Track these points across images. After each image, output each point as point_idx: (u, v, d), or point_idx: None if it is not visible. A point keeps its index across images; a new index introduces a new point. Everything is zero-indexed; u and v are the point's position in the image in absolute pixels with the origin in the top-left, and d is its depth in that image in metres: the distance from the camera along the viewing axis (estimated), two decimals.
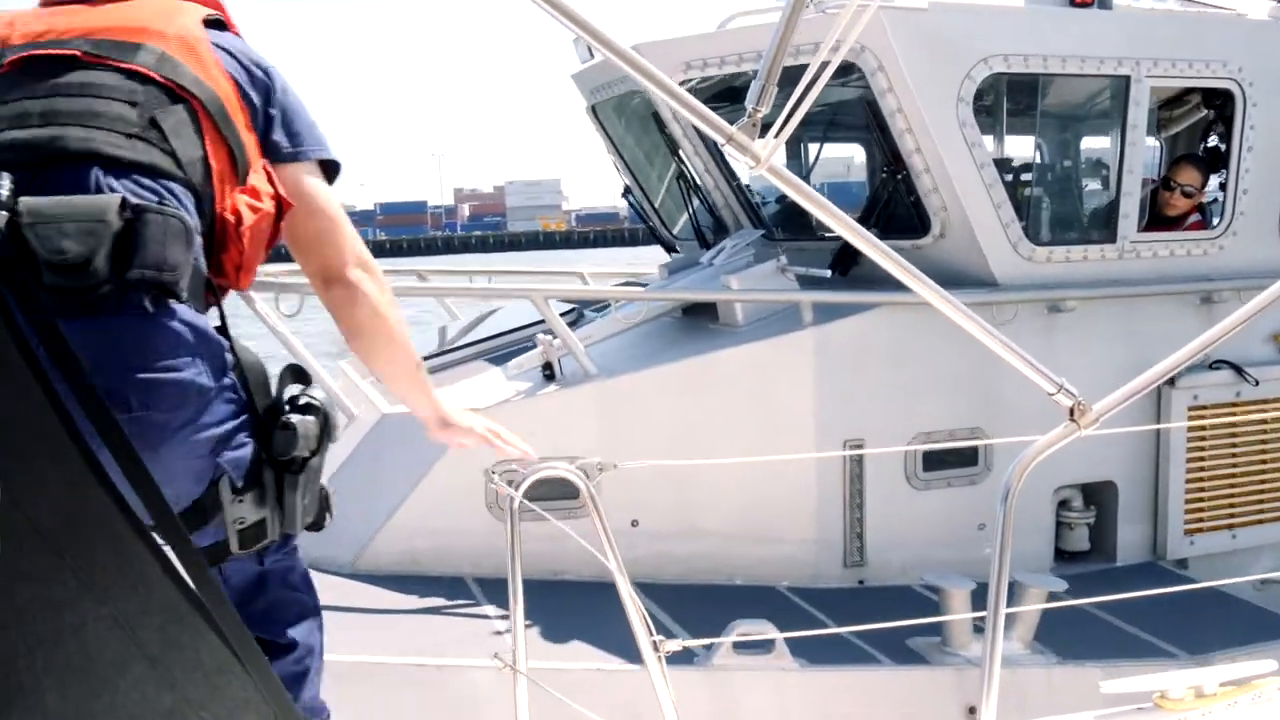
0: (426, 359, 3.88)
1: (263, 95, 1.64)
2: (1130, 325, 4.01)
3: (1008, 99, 3.93)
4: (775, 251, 4.04)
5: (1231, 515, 4.18)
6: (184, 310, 1.48)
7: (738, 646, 2.97)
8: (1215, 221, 4.20)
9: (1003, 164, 3.90)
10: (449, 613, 3.40)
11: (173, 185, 1.50)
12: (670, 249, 5.35)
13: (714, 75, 4.12)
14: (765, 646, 2.99)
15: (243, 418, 1.55)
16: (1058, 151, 4.41)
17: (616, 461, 2.42)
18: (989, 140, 3.90)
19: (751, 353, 3.74)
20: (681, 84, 3.31)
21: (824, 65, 1.46)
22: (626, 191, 5.39)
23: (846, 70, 3.69)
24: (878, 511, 3.84)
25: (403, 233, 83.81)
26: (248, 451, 1.55)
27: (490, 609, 3.33)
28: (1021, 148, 4.33)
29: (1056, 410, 3.78)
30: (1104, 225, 3.99)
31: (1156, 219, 4.25)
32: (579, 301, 4.63)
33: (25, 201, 1.36)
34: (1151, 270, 4.03)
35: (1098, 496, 4.16)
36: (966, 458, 3.93)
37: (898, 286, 3.62)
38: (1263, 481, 4.18)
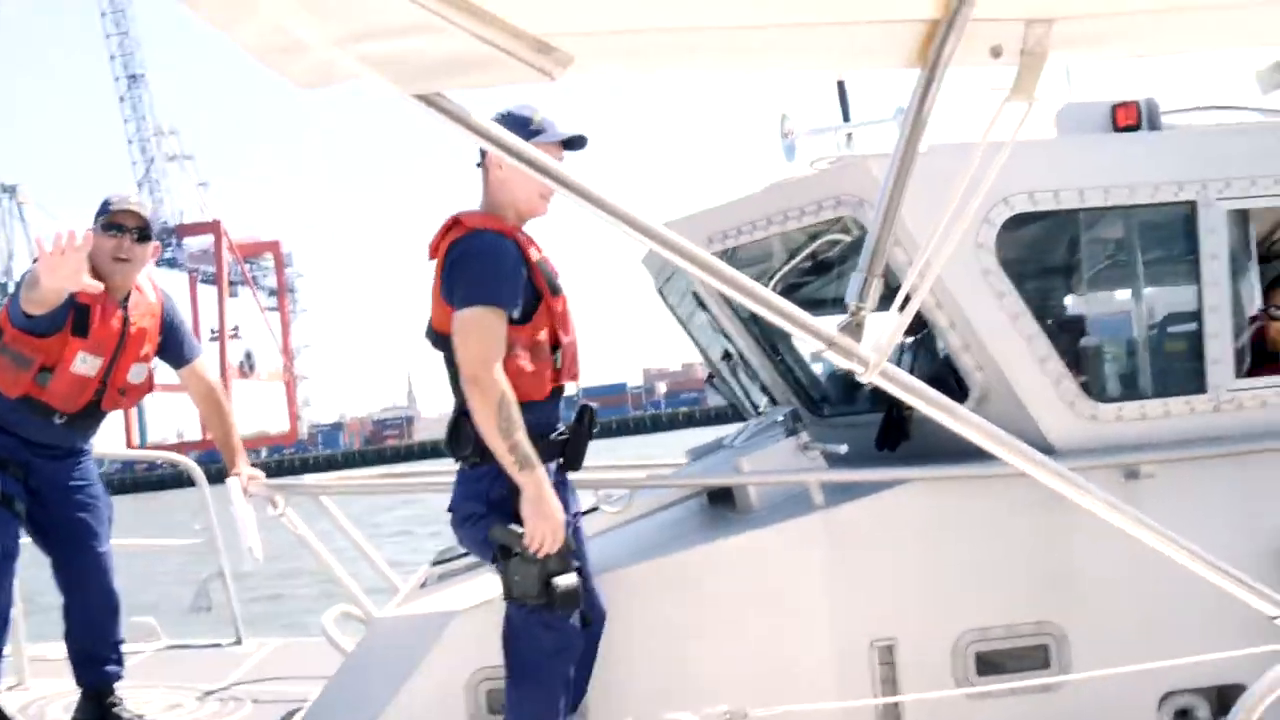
0: None
1: None
2: (1242, 491, 3.27)
3: (1045, 240, 3.47)
4: (799, 428, 3.65)
5: None
6: None
7: None
8: None
9: (1047, 314, 3.40)
10: None
11: None
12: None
13: (744, 242, 3.92)
14: None
15: None
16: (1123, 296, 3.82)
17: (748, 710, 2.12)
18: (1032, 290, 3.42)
19: (754, 540, 3.31)
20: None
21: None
22: (709, 378, 5.18)
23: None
24: (921, 717, 3.21)
25: (610, 414, 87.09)
26: None
27: None
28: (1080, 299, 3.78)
29: (1147, 587, 3.10)
30: (1190, 374, 3.34)
31: (1269, 357, 3.54)
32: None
33: None
34: (1263, 422, 3.31)
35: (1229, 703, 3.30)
36: (1039, 659, 3.25)
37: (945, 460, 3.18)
38: None
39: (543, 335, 2.89)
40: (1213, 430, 3.30)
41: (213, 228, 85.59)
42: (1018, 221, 3.28)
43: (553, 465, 2.89)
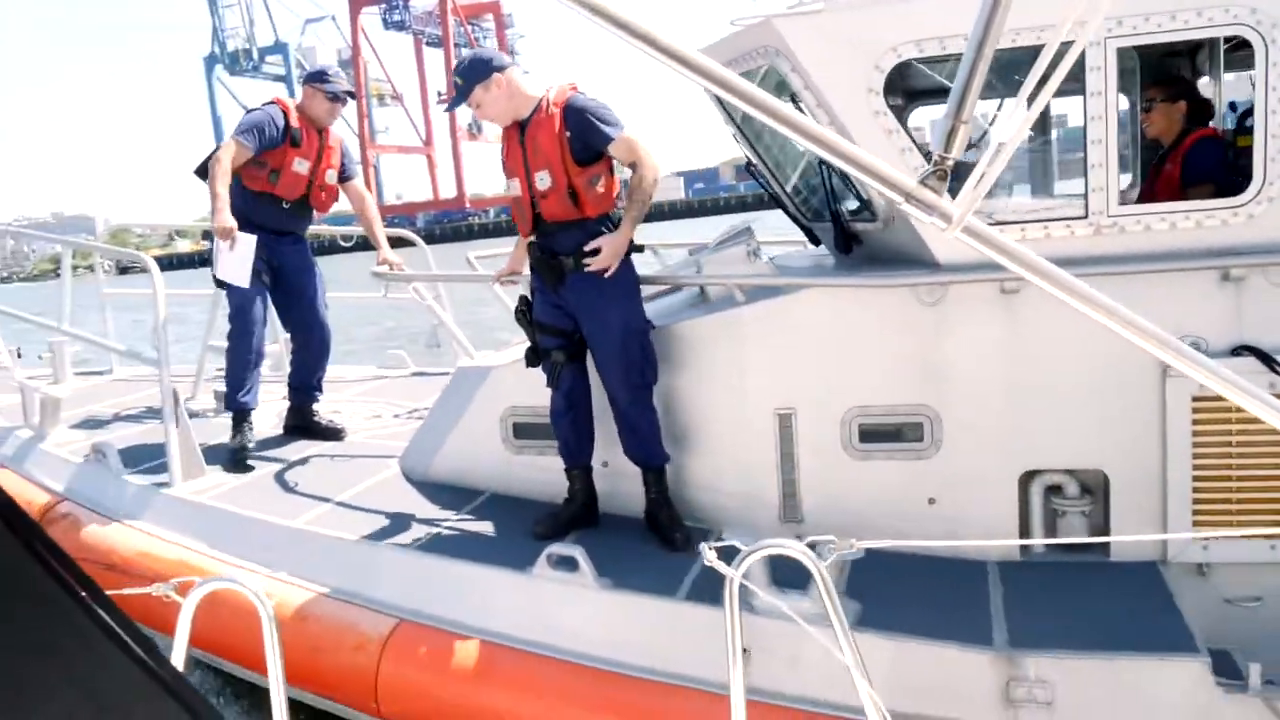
0: None
1: None
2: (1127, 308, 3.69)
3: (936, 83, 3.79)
4: (749, 239, 4.33)
5: (1257, 520, 3.68)
6: None
7: (553, 563, 3.66)
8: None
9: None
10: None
11: None
12: (809, 235, 5.04)
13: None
14: (571, 565, 3.62)
15: None
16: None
17: (835, 538, 2.29)
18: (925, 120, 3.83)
19: (696, 326, 4.19)
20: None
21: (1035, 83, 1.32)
22: (748, 166, 5.77)
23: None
24: (813, 475, 4.08)
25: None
26: None
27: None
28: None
29: (1010, 389, 3.73)
30: (1070, 200, 3.72)
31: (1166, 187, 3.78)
32: None
33: None
34: (1145, 245, 3.67)
35: (1096, 486, 3.92)
36: (914, 433, 3.99)
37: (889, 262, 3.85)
38: None
39: None
40: (1095, 251, 3.71)
41: None
42: (905, 67, 3.68)
43: None
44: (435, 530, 4.35)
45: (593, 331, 4.07)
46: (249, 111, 5.48)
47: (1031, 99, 1.33)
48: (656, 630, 3.55)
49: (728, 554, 2.37)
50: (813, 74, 3.71)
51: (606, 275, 3.94)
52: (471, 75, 3.99)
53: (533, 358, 4.23)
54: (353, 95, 5.63)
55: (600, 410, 4.29)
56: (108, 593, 0.84)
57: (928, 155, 3.80)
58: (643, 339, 4.07)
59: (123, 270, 17.14)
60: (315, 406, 5.93)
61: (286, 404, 6.00)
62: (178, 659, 2.52)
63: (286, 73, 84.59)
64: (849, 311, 3.95)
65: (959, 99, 1.33)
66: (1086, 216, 3.67)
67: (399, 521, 4.47)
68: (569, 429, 4.25)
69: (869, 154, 1.37)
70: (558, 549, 3.73)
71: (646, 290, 4.27)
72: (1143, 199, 4.32)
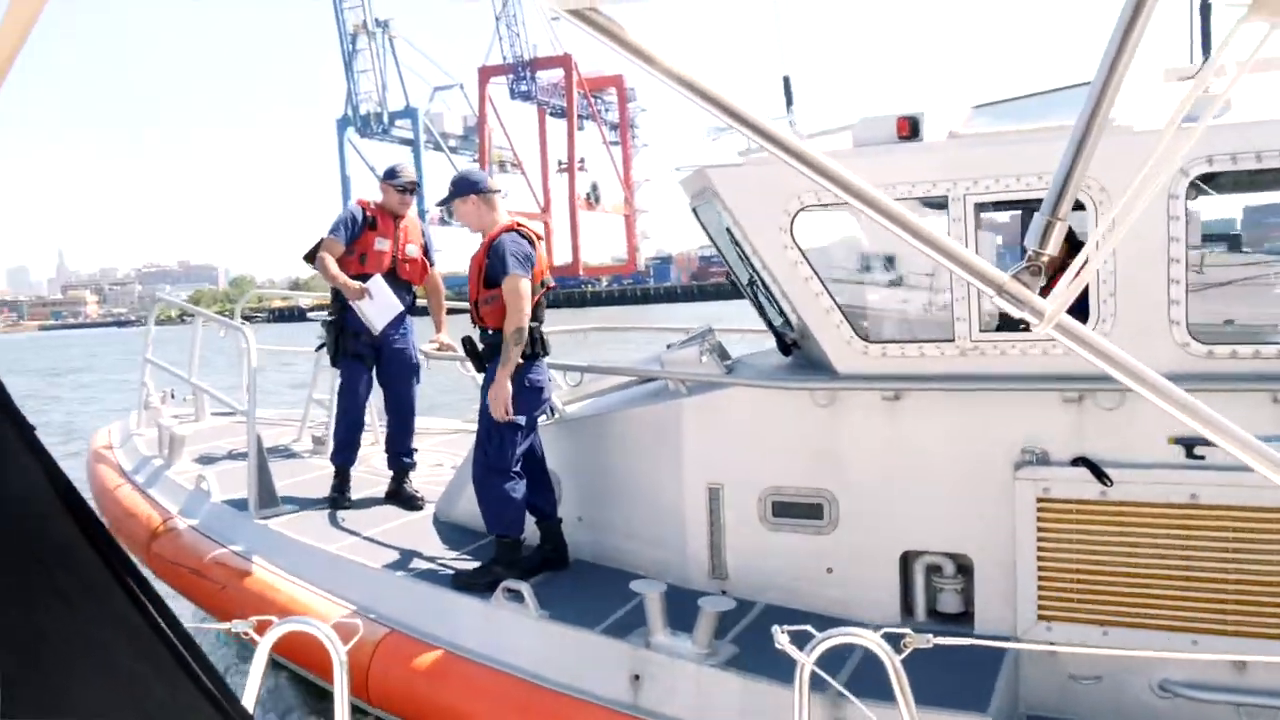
0: None
1: None
2: (986, 419, 4.43)
3: (837, 226, 4.67)
4: (704, 341, 5.26)
5: (1090, 610, 4.25)
6: None
7: (507, 595, 4.61)
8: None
9: (837, 279, 4.67)
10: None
11: None
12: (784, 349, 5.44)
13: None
14: (520, 598, 4.56)
15: None
16: (890, 263, 4.90)
17: (910, 630, 2.43)
18: (835, 255, 4.72)
19: (651, 411, 5.14)
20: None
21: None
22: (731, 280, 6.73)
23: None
24: (736, 540, 4.92)
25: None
26: None
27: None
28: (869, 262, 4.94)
29: (890, 481, 4.52)
30: (941, 327, 4.51)
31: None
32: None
33: None
34: (1003, 367, 4.41)
35: (968, 568, 4.62)
36: (815, 512, 4.79)
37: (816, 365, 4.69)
38: (1126, 582, 4.22)
39: None
40: (962, 369, 4.48)
41: (563, 61, 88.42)
42: (807, 212, 4.59)
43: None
44: (432, 564, 5.37)
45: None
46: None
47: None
48: (579, 655, 4.44)
49: (800, 639, 2.40)
50: (736, 212, 4.66)
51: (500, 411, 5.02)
52: (456, 188, 5.28)
53: None
54: (415, 187, 6.76)
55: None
56: (188, 627, 0.97)
57: (829, 290, 4.65)
58: (502, 430, 5.05)
59: (246, 317, 19.24)
60: (411, 475, 6.92)
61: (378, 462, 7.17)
62: (250, 698, 2.52)
63: (415, 137, 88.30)
64: (764, 407, 4.82)
65: (1056, 196, 1.34)
66: (953, 340, 4.46)
67: (408, 554, 5.51)
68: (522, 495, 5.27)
69: (966, 250, 1.41)
70: (511, 584, 4.69)
71: (615, 379, 5.27)
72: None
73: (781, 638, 2.37)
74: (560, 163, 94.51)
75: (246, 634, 2.70)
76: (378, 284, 6.38)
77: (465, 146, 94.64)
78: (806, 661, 2.37)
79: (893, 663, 2.32)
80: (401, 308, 6.51)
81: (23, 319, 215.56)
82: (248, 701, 2.49)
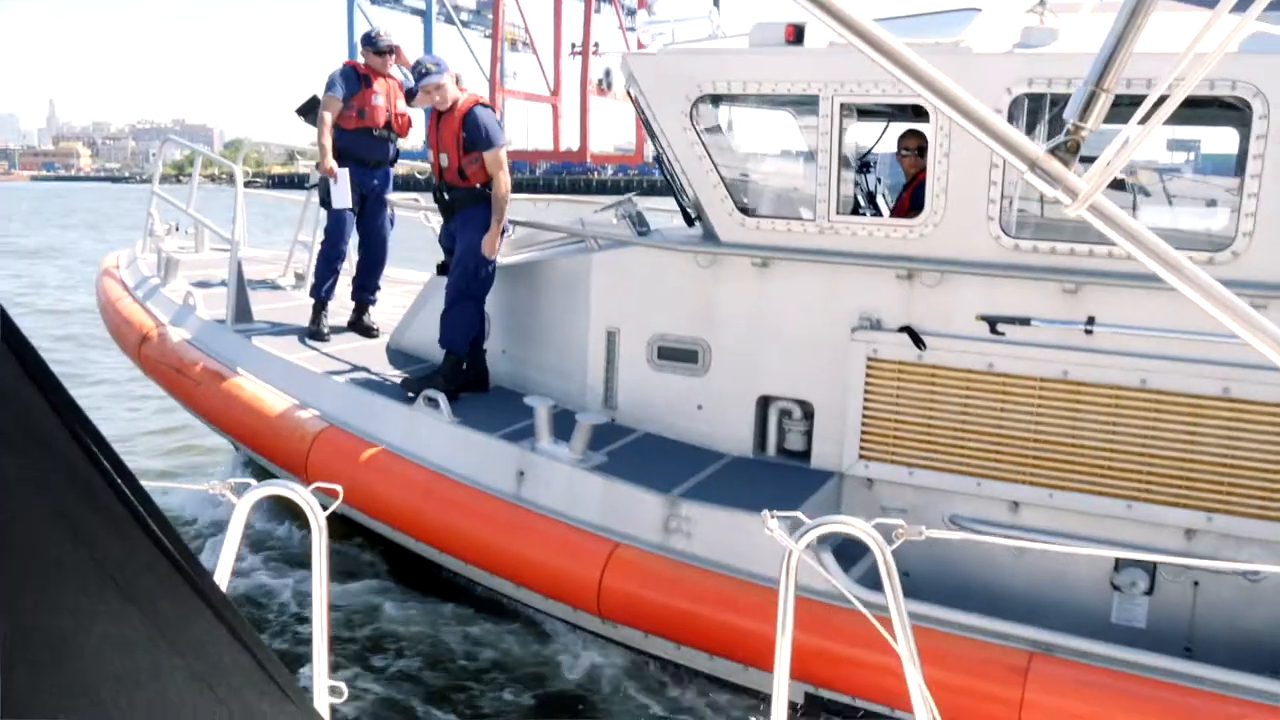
0: None
1: None
2: (834, 288, 5.29)
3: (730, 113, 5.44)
4: (621, 208, 6.06)
5: (901, 453, 5.20)
6: None
7: (426, 401, 5.55)
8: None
9: (729, 159, 5.45)
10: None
11: None
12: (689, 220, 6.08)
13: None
14: (437, 405, 5.51)
15: None
16: (773, 153, 5.69)
17: (907, 524, 2.34)
18: (729, 143, 5.49)
19: (565, 261, 6.00)
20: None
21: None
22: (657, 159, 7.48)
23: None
24: (627, 376, 5.84)
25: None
26: None
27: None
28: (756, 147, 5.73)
29: (753, 335, 5.38)
30: (807, 206, 5.33)
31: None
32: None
33: None
34: (852, 246, 5.24)
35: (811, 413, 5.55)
36: (691, 357, 5.69)
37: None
38: (930, 432, 5.14)
39: None
40: (819, 244, 5.31)
41: None
42: (713, 100, 5.33)
43: None
44: (375, 376, 6.30)
45: (455, 248, 6.05)
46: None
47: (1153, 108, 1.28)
48: (479, 454, 5.41)
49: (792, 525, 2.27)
50: (648, 96, 5.41)
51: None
52: (438, 67, 6.01)
53: (440, 268, 6.15)
54: (394, 50, 7.42)
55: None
56: (151, 485, 1.02)
57: (717, 168, 5.42)
58: (479, 263, 5.94)
59: (246, 183, 20.14)
60: (371, 309, 7.75)
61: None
62: (226, 562, 2.34)
63: (427, 7, 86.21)
64: (658, 265, 5.67)
65: (1103, 64, 1.25)
66: (815, 219, 5.28)
67: (355, 368, 6.44)
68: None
69: (1001, 123, 1.34)
70: (430, 394, 5.62)
71: (545, 234, 6.10)
72: (894, 214, 5.88)
73: (771, 523, 2.26)
74: (574, 45, 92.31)
75: (224, 495, 2.42)
76: (344, 175, 7.13)
77: (478, 21, 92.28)
78: (795, 548, 2.28)
79: (884, 553, 2.23)
80: (354, 208, 7.25)
81: (14, 168, 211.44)
82: (224, 561, 2.33)
